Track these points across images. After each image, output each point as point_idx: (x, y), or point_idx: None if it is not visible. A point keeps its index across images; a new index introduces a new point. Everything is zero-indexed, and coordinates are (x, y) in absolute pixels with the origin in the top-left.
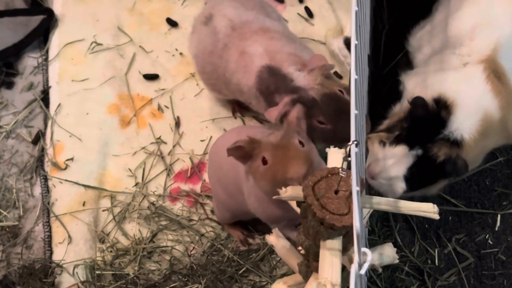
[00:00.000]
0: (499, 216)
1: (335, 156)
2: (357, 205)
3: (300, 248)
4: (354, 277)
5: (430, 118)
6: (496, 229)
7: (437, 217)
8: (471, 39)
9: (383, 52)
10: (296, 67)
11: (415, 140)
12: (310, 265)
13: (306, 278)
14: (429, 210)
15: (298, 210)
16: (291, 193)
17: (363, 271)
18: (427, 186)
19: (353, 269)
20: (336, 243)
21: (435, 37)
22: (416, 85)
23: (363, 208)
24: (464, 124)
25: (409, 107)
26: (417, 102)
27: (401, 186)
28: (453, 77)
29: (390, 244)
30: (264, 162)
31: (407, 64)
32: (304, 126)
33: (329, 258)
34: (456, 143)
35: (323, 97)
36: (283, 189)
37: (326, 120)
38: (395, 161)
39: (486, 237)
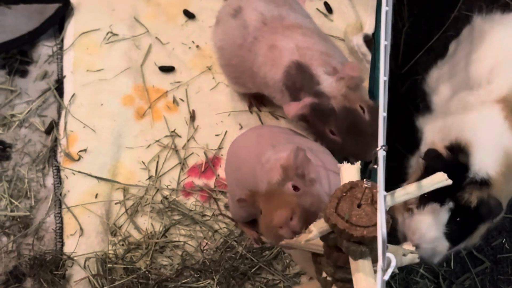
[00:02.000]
0: None
1: (348, 172)
2: (383, 210)
3: (328, 277)
4: (380, 283)
5: (450, 166)
6: None
7: (450, 182)
8: (488, 82)
9: (402, 50)
10: (326, 70)
11: (442, 194)
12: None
13: (325, 287)
14: (442, 179)
15: (318, 247)
16: (316, 231)
17: (387, 277)
18: (469, 236)
19: (379, 275)
20: (366, 259)
21: (453, 78)
22: (434, 131)
23: (387, 206)
24: (486, 161)
25: (424, 163)
26: (430, 154)
27: (445, 246)
28: (470, 118)
29: (409, 243)
30: (261, 213)
31: (426, 107)
32: (308, 167)
33: (364, 277)
34: (485, 183)
35: (341, 109)
36: (306, 230)
37: (337, 132)
38: (430, 223)
39: (503, 241)
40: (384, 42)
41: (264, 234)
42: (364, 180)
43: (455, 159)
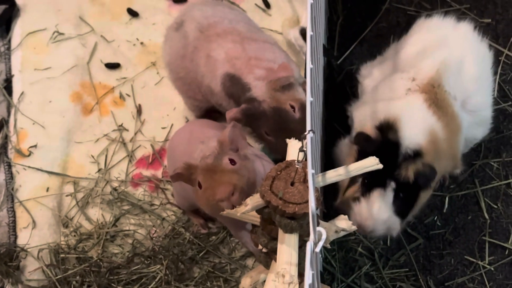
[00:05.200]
0: (447, 198)
1: (296, 148)
2: (312, 187)
3: (264, 249)
4: (310, 255)
5: (381, 147)
6: (444, 211)
7: (381, 166)
8: (421, 59)
9: (337, 42)
10: (256, 75)
11: (382, 177)
12: (270, 254)
13: (267, 266)
14: (373, 163)
15: (256, 219)
16: (251, 204)
17: (318, 249)
18: (414, 206)
19: (309, 247)
20: (294, 233)
21: (386, 62)
22: (363, 117)
23: (318, 186)
24: (414, 132)
25: (357, 148)
26: (360, 138)
27: (397, 221)
28: (396, 104)
29: (345, 217)
30: (200, 186)
31: (355, 95)
32: (242, 143)
33: (288, 249)
34: (417, 154)
35: (271, 111)
36: (243, 203)
37: (270, 132)
38: (378, 207)
39: (435, 218)
40: (310, 33)
41: (203, 207)
42: (296, 160)
43: (385, 138)
